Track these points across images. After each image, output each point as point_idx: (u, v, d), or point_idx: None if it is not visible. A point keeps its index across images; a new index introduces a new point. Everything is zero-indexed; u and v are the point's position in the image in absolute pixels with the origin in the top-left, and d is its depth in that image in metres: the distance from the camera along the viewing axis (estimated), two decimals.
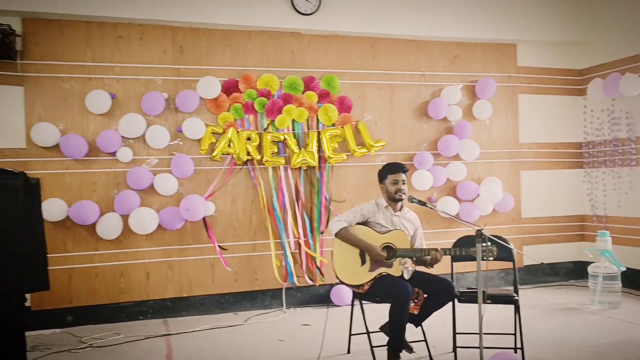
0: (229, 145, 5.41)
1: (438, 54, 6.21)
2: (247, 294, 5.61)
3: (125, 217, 5.12)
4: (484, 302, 3.52)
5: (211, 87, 5.38)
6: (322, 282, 5.67)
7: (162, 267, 5.35)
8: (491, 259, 3.55)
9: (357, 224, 3.92)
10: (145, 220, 5.10)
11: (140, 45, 5.30)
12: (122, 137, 5.19)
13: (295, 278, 5.59)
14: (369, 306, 3.95)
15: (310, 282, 5.65)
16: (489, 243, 3.51)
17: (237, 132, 5.44)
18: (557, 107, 6.71)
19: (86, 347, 4.51)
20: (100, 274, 5.18)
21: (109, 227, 5.05)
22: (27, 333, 3.11)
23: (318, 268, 5.65)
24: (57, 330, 5.00)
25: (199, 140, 5.40)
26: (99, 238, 5.12)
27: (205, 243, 5.45)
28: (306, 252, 5.63)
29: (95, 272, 5.17)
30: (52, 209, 4.88)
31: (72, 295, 5.11)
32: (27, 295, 3.72)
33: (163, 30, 5.36)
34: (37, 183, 3.34)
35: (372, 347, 3.87)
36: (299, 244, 5.62)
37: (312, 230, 5.66)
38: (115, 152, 5.16)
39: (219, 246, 5.42)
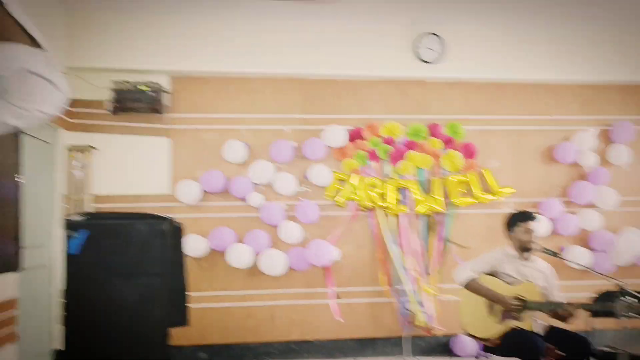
0: (354, 192, 5.53)
1: (569, 98, 5.97)
2: (369, 341, 5.59)
3: (255, 259, 5.36)
4: None
5: (337, 135, 5.57)
6: (441, 332, 5.51)
7: (288, 309, 5.51)
8: (635, 316, 3.30)
9: (485, 274, 3.82)
10: (274, 260, 5.30)
11: (271, 98, 5.65)
12: (253, 183, 5.50)
13: (416, 325, 5.48)
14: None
15: (432, 331, 5.51)
16: (633, 299, 3.26)
17: (362, 178, 5.55)
18: None
19: None
20: (230, 314, 5.44)
21: (241, 257, 5.29)
22: None
23: (437, 317, 5.52)
24: None
25: (325, 186, 5.58)
26: (231, 279, 5.40)
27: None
28: (427, 300, 5.52)
29: (226, 312, 5.44)
30: (191, 245, 5.24)
31: (205, 333, 5.39)
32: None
33: (292, 83, 5.67)
34: (181, 227, 3.64)
35: None
36: (421, 291, 5.53)
37: (433, 278, 5.57)
38: (247, 197, 5.47)
39: (335, 293, 5.47)
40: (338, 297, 5.52)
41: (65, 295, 3.10)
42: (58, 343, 4.82)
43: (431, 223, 5.65)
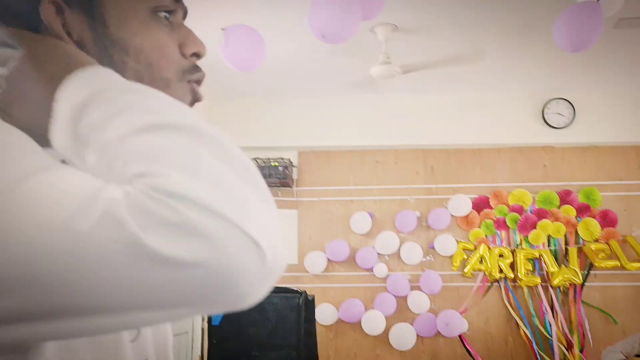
0: (481, 262, 5.38)
1: None
2: None
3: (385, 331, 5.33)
4: None
5: (462, 204, 5.51)
6: None
7: None
8: None
9: (637, 355, 3.51)
10: (404, 335, 5.25)
11: (395, 169, 5.74)
12: (378, 253, 5.54)
13: None
14: None
15: None
16: None
17: (489, 248, 5.40)
18: None
19: None
20: None
21: (373, 323, 5.30)
22: None
23: None
24: None
25: (450, 256, 5.49)
26: (359, 348, 5.39)
27: None
28: None
29: None
30: (320, 314, 5.33)
31: None
32: None
33: (415, 154, 5.74)
34: (313, 300, 3.74)
35: None
36: None
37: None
38: (372, 267, 5.51)
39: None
40: None
41: None
42: None
43: (570, 295, 5.32)
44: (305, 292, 3.47)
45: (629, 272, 5.25)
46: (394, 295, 5.41)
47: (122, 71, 0.68)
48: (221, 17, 3.77)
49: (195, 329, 5.17)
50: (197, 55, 0.77)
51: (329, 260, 5.55)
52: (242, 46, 3.32)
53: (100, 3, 0.70)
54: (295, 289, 3.48)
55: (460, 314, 5.35)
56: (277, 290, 3.47)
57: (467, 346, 5.31)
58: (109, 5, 0.70)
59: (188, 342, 5.23)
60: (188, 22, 0.79)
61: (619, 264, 5.23)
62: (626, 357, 3.52)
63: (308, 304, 3.65)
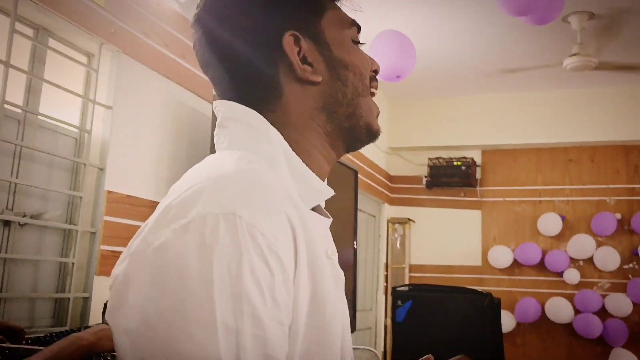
0: None
1: None
2: None
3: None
4: None
5: None
6: None
7: None
8: None
9: None
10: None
11: (590, 167, 5.31)
12: (570, 257, 5.17)
13: None
14: None
15: None
16: None
17: None
18: None
19: None
20: None
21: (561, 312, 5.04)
22: None
23: None
24: None
25: None
26: (548, 356, 5.10)
27: None
28: None
29: None
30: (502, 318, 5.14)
31: None
32: None
33: (615, 150, 5.25)
34: (499, 303, 3.63)
35: None
36: None
37: None
38: (563, 272, 5.16)
39: None
40: None
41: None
42: None
43: None
44: (491, 294, 3.38)
45: None
46: (583, 312, 5.01)
47: (345, 85, 0.85)
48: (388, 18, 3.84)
49: (379, 324, 5.32)
50: (376, 72, 0.92)
51: (515, 261, 5.31)
52: (391, 53, 3.18)
53: (324, 32, 0.86)
54: (479, 290, 3.41)
55: None
56: (461, 291, 3.43)
57: None
58: (329, 33, 0.87)
59: (372, 337, 5.40)
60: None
61: None
62: None
63: (493, 307, 3.55)
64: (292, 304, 0.69)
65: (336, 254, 0.86)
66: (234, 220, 0.64)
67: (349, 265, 3.58)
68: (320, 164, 0.85)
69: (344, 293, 0.85)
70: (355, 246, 3.63)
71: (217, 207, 0.65)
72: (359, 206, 4.68)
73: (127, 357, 0.65)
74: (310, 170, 0.82)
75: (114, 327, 0.67)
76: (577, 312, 5.02)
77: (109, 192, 2.40)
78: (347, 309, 0.85)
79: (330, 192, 0.86)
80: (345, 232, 3.55)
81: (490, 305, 3.41)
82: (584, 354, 5.03)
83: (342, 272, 0.85)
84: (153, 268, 0.64)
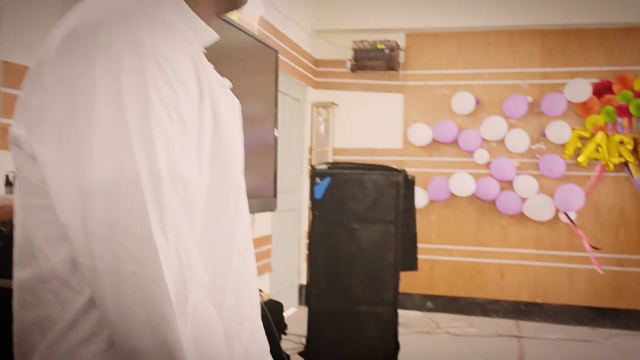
0: (597, 151, 5.11)
1: None
2: (609, 311, 5.21)
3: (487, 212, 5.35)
4: None
5: (581, 89, 5.17)
6: None
7: (517, 269, 5.40)
8: None
9: None
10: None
11: (507, 51, 5.44)
12: (483, 138, 5.42)
13: None
14: None
15: None
16: None
17: (608, 136, 5.09)
18: None
19: (443, 333, 4.91)
20: (458, 268, 5.54)
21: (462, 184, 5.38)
22: None
23: None
24: (419, 313, 5.55)
25: (563, 144, 5.25)
26: (460, 234, 5.49)
27: (563, 250, 5.28)
28: None
29: (454, 266, 5.55)
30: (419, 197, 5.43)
31: (433, 283, 5.59)
32: (400, 280, 4.30)
33: (531, 35, 5.38)
34: (413, 180, 3.81)
35: None
36: None
37: None
38: (474, 152, 5.42)
39: (593, 247, 5.15)
40: (596, 249, 5.16)
41: (309, 236, 3.52)
42: (303, 278, 5.49)
43: None
44: (405, 171, 3.54)
45: None
46: (498, 179, 5.34)
47: None
48: None
49: (303, 205, 5.50)
50: None
51: (433, 140, 5.52)
52: None
53: None
54: (395, 167, 3.56)
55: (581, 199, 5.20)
56: (376, 168, 3.56)
57: (572, 223, 5.20)
58: None
59: (295, 218, 5.59)
60: None
61: None
62: None
63: (408, 183, 3.73)
64: (197, 128, 0.75)
65: (229, 83, 0.92)
66: (137, 46, 0.68)
67: (270, 147, 3.61)
68: (202, 13, 0.87)
69: (240, 120, 0.93)
70: (276, 127, 3.65)
71: (121, 36, 0.69)
72: (282, 89, 4.65)
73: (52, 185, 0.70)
74: (196, 15, 0.84)
75: (34, 150, 0.71)
76: (486, 188, 5.36)
77: (5, 62, 2.27)
78: (243, 136, 0.91)
79: (216, 36, 0.89)
80: (266, 113, 3.54)
81: (404, 181, 3.58)
82: (490, 227, 5.44)
83: (237, 100, 0.92)
84: (68, 97, 0.68)
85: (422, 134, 5.53)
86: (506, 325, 5.22)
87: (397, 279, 3.47)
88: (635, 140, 5.05)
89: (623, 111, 5.10)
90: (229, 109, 0.85)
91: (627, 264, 5.15)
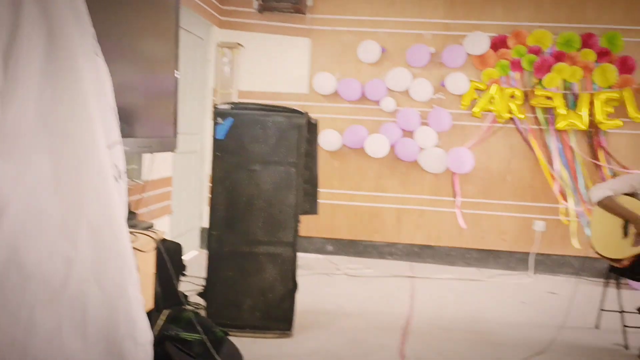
0: (491, 102, 5.37)
1: None
2: (493, 253, 5.61)
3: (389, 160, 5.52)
4: None
5: (479, 42, 5.37)
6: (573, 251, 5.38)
7: (413, 214, 5.66)
8: None
9: (624, 195, 3.63)
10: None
11: (413, 1, 5.52)
12: (388, 88, 5.53)
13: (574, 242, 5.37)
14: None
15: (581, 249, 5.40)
16: None
17: (501, 89, 5.35)
18: None
19: (341, 274, 5.09)
20: (358, 213, 5.72)
21: (375, 146, 5.48)
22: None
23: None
24: (319, 256, 5.70)
25: (461, 95, 5.47)
26: (361, 180, 5.64)
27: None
28: (565, 217, 5.38)
29: (355, 211, 5.72)
30: (326, 137, 5.53)
31: (334, 227, 5.75)
32: (300, 222, 4.37)
33: None
34: (316, 124, 3.83)
35: (624, 326, 3.63)
36: (560, 209, 5.39)
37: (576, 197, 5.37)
38: (380, 101, 5.54)
39: (459, 206, 5.50)
40: (459, 207, 5.53)
41: (211, 178, 3.47)
42: (206, 221, 5.45)
43: (578, 141, 5.36)
44: (308, 113, 3.54)
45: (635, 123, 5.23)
46: (402, 129, 5.50)
47: None
48: None
49: (205, 147, 5.39)
50: None
51: (339, 89, 5.57)
52: None
53: None
54: (298, 109, 3.55)
55: (468, 151, 5.46)
56: (280, 110, 3.54)
57: (454, 182, 5.52)
58: None
59: (198, 160, 5.49)
60: None
61: (624, 120, 5.20)
62: (614, 193, 3.64)
63: (311, 127, 3.74)
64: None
65: None
66: None
67: (171, 87, 3.48)
68: None
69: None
70: (176, 66, 3.51)
71: None
72: (185, 26, 4.46)
73: None
74: None
75: None
76: (389, 137, 5.51)
77: None
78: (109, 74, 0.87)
79: None
80: (166, 51, 3.39)
81: (307, 124, 3.59)
82: (390, 174, 5.63)
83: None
84: None
85: (327, 83, 5.54)
86: (401, 266, 5.50)
87: (297, 221, 3.52)
88: (525, 94, 5.35)
89: (516, 65, 5.36)
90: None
91: (510, 210, 5.54)
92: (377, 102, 5.57)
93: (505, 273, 5.48)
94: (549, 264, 5.53)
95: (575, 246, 5.33)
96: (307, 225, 5.69)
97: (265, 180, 3.46)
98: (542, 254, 5.50)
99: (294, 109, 3.56)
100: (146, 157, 3.98)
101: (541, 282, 5.24)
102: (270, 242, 3.48)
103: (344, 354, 3.25)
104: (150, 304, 2.37)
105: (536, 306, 4.46)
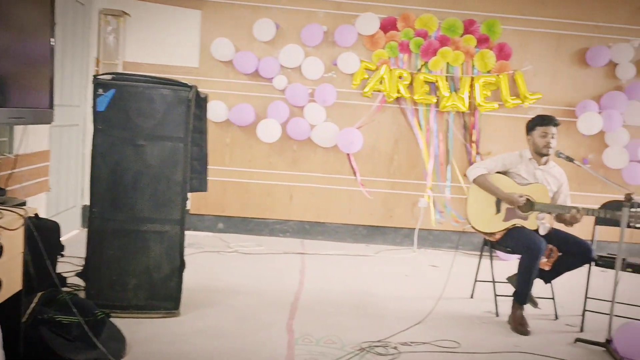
0: (380, 83, 5.52)
1: (618, 4, 5.67)
2: (381, 229, 5.82)
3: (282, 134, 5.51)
4: (623, 270, 3.38)
5: (370, 23, 5.47)
6: (454, 227, 5.70)
7: (305, 192, 5.72)
8: (638, 226, 3.37)
9: (497, 173, 3.89)
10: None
11: None
12: (281, 65, 5.51)
13: (433, 219, 5.66)
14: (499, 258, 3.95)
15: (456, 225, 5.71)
16: (638, 209, 3.33)
17: (390, 70, 5.51)
18: None
19: (232, 252, 5.05)
20: (250, 190, 5.68)
21: (269, 131, 5.45)
22: (185, 232, 3.56)
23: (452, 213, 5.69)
24: (210, 234, 5.62)
25: (352, 75, 5.57)
26: (253, 157, 5.61)
27: (346, 174, 5.70)
28: (445, 195, 5.68)
29: (246, 188, 5.68)
30: (215, 109, 5.40)
31: (225, 205, 5.68)
32: (188, 199, 4.24)
33: None
34: (206, 98, 3.73)
35: (496, 295, 3.92)
36: (439, 187, 5.68)
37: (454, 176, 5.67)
38: (273, 78, 5.50)
39: (360, 181, 5.65)
40: (362, 183, 5.67)
41: (92, 153, 3.28)
42: (87, 199, 5.16)
43: (458, 122, 5.66)
44: (196, 87, 3.43)
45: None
46: (291, 105, 5.51)
47: None
48: None
49: (87, 120, 5.09)
50: None
51: (232, 65, 5.46)
52: None
53: None
54: (185, 82, 3.43)
55: (357, 130, 5.58)
56: (166, 82, 3.41)
57: (350, 161, 5.65)
58: None
59: (79, 134, 5.17)
60: None
61: (500, 103, 5.56)
62: (488, 172, 3.90)
63: (200, 101, 3.64)
64: None
65: None
66: None
67: (46, 55, 3.24)
68: None
69: None
70: (52, 33, 3.26)
71: None
72: None
73: None
74: None
75: None
76: (279, 114, 5.51)
77: None
78: None
79: None
80: (39, 16, 3.14)
81: (196, 99, 3.48)
82: (282, 151, 5.63)
83: None
84: None
85: (226, 49, 5.41)
86: (292, 243, 5.56)
87: (184, 199, 3.43)
88: (412, 75, 5.55)
89: (405, 47, 5.53)
90: None
91: (397, 188, 5.76)
92: (270, 80, 5.53)
93: (392, 248, 5.72)
94: (432, 239, 5.82)
95: (434, 223, 5.65)
96: (198, 203, 5.60)
97: (151, 155, 3.32)
98: (425, 230, 5.78)
99: (182, 82, 3.44)
100: (18, 130, 3.69)
101: (424, 256, 5.52)
102: (156, 220, 3.36)
103: (232, 331, 3.23)
104: (19, 285, 2.20)
105: (419, 279, 4.70)
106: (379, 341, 3.21)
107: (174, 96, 3.34)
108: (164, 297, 3.39)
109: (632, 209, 3.33)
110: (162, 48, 5.43)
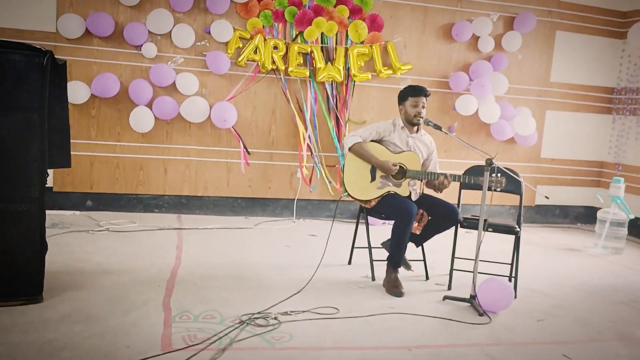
0: (255, 52, 5.41)
1: None
2: (260, 201, 5.78)
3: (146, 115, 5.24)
4: (485, 230, 3.62)
5: None
6: (338, 193, 5.80)
7: (180, 165, 5.52)
8: (498, 189, 3.62)
9: (372, 141, 3.97)
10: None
11: None
12: (149, 31, 5.21)
13: (310, 188, 5.72)
14: (374, 224, 4.05)
15: (333, 195, 5.78)
16: (498, 174, 3.56)
17: (265, 39, 5.41)
18: (594, 49, 6.50)
19: (103, 230, 4.76)
20: (120, 165, 5.37)
21: (144, 121, 5.22)
22: (48, 212, 3.27)
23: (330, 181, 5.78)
24: (77, 213, 5.25)
25: (226, 43, 5.40)
26: (123, 131, 5.28)
27: (224, 146, 5.57)
28: (321, 165, 5.74)
29: (116, 163, 5.36)
30: (76, 90, 5.01)
31: (93, 181, 5.32)
32: (50, 177, 3.87)
33: None
34: (64, 65, 3.41)
35: (372, 260, 4.04)
36: (316, 157, 5.72)
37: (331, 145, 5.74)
38: (141, 45, 5.20)
39: (247, 150, 5.53)
40: (248, 153, 5.55)
41: None
42: None
43: (333, 92, 5.70)
44: (52, 52, 3.12)
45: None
46: (157, 85, 5.26)
47: None
48: None
49: None
50: None
51: (88, 32, 5.06)
52: None
53: None
54: (38, 47, 3.11)
55: (229, 100, 5.44)
56: (17, 46, 3.06)
57: (239, 136, 5.53)
58: None
59: None
60: None
61: (373, 74, 5.69)
62: (363, 141, 3.97)
63: (57, 68, 3.32)
64: None
65: None
66: None
67: None
68: None
69: None
70: None
71: None
72: None
73: None
74: None
75: None
76: (154, 89, 5.23)
77: None
78: None
79: None
80: None
81: (52, 66, 3.18)
82: (155, 123, 5.36)
83: None
84: None
85: (74, 24, 4.99)
86: (168, 219, 5.35)
87: (43, 175, 3.13)
88: (287, 46, 5.49)
89: (279, 16, 5.45)
90: None
91: (275, 159, 5.73)
92: (137, 47, 5.21)
93: (271, 219, 5.71)
94: (310, 208, 5.89)
95: (309, 191, 5.75)
96: (62, 180, 5.21)
97: (3, 128, 2.99)
98: (304, 200, 5.83)
99: (33, 47, 3.11)
100: None
101: (303, 226, 5.57)
102: (10, 199, 3.05)
103: (102, 313, 3.04)
104: None
105: (299, 249, 4.73)
106: (258, 313, 3.19)
107: (26, 62, 3.01)
108: (24, 283, 3.10)
109: (493, 174, 3.56)
110: (13, 10, 4.90)
